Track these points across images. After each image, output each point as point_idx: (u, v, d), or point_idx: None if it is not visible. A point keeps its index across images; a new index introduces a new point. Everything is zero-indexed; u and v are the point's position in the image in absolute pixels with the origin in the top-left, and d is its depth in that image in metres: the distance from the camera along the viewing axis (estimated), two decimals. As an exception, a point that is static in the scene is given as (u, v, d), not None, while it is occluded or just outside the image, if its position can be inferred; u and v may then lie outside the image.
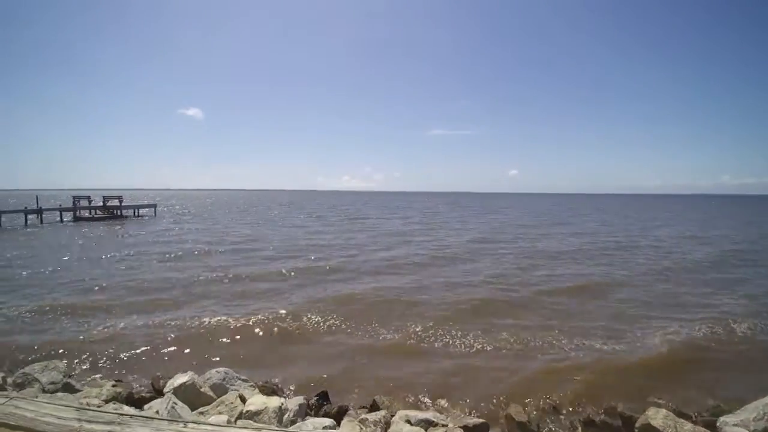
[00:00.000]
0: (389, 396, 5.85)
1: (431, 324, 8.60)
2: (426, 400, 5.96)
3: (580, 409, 5.63)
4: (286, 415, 4.25)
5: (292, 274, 13.51)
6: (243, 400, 4.51)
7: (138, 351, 7.23)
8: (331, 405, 5.78)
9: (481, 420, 5.13)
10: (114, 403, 4.53)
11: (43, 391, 5.01)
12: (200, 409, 4.44)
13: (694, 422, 4.97)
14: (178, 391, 4.59)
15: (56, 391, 5.13)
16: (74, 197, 38.48)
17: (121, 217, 38.82)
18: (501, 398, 5.89)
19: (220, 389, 4.99)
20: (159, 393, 5.67)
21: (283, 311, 9.31)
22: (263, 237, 24.33)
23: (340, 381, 6.36)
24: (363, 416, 5.03)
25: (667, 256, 17.84)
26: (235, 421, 3.97)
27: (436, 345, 7.69)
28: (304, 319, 8.88)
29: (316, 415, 5.40)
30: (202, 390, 4.75)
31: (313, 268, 14.49)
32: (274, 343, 7.76)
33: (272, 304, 10.05)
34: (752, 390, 5.39)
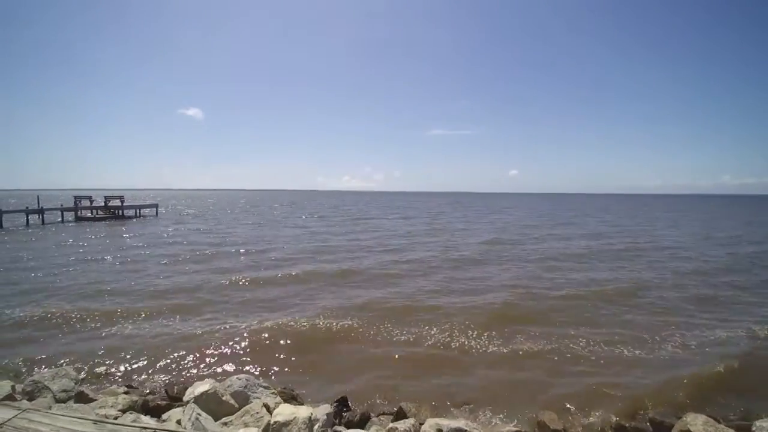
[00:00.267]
0: (415, 403, 5.60)
1: (450, 330, 8.34)
2: (451, 407, 5.71)
3: (612, 417, 5.40)
4: (315, 426, 3.99)
5: (302, 278, 13.20)
6: (268, 409, 4.27)
7: (148, 357, 7.00)
8: (353, 412, 5.54)
9: (516, 428, 4.89)
10: (131, 413, 4.28)
11: (56, 400, 4.77)
12: (223, 419, 4.20)
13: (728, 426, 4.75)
14: (199, 400, 4.34)
15: (68, 399, 4.89)
16: (76, 197, 38.26)
17: (123, 217, 38.62)
18: (530, 406, 5.64)
19: (241, 397, 4.75)
20: (174, 400, 5.42)
21: (297, 317, 9.00)
22: (268, 238, 24.06)
23: (359, 388, 6.13)
24: (391, 425, 4.78)
25: (689, 259, 17.50)
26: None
27: (456, 352, 7.45)
28: (319, 324, 8.61)
29: (339, 423, 5.17)
30: (223, 398, 4.50)
31: (322, 271, 14.15)
32: (288, 349, 7.49)
33: (284, 310, 9.76)
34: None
